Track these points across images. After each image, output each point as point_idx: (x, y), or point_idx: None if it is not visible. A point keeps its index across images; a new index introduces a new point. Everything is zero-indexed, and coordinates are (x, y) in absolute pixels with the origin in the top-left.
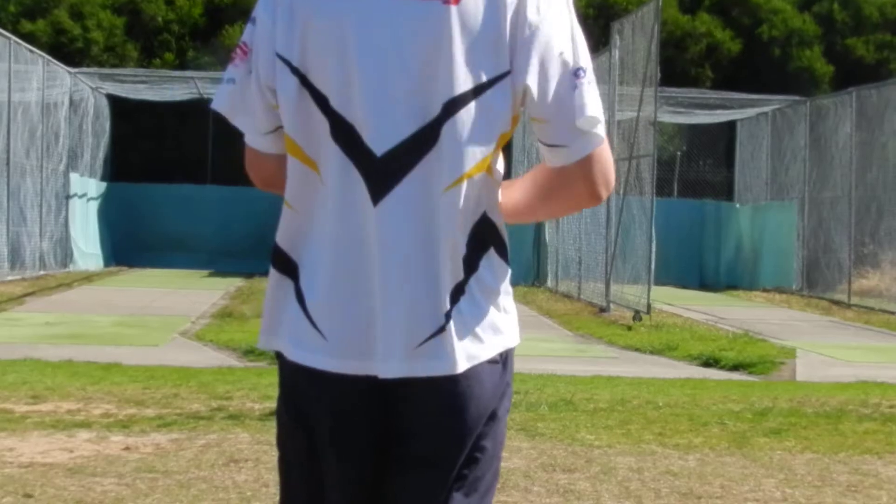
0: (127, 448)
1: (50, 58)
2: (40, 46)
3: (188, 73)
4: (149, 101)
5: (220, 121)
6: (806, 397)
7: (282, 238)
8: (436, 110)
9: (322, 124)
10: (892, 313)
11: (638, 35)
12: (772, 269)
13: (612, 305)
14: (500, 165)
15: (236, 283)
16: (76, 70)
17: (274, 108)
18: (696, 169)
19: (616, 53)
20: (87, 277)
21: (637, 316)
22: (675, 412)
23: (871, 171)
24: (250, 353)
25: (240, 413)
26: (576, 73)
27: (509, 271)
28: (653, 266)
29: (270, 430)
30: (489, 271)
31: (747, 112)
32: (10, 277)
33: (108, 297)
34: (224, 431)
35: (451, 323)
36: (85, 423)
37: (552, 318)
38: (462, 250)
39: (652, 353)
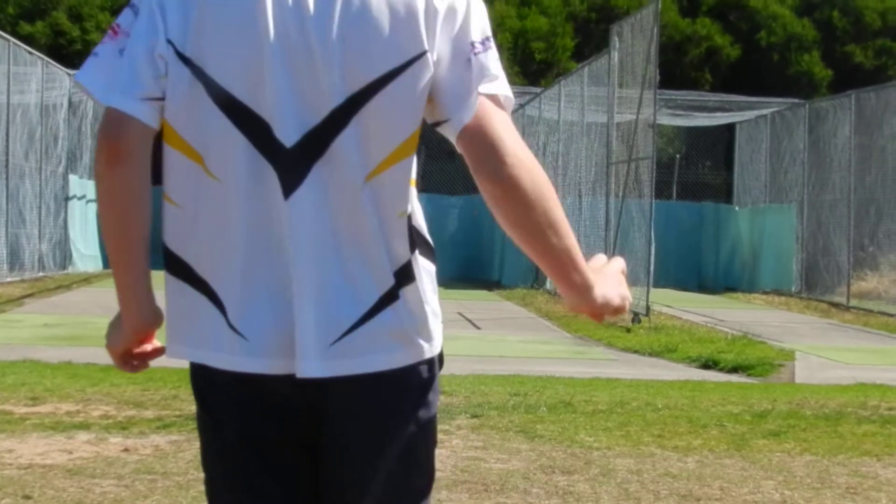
0: (126, 449)
1: (49, 59)
2: (39, 48)
3: None
4: None
5: None
6: (805, 399)
7: (171, 240)
8: (345, 95)
9: (218, 118)
10: (891, 315)
11: (637, 38)
12: (771, 271)
13: None
14: (414, 172)
15: None
16: (75, 72)
17: (162, 77)
18: (695, 171)
19: (615, 56)
20: (86, 279)
21: (636, 318)
22: (674, 414)
23: (869, 173)
24: None
25: None
26: (483, 42)
27: (435, 268)
28: (652, 268)
29: None
30: (422, 272)
31: (746, 115)
32: (9, 279)
33: (108, 299)
34: None
35: (375, 319)
36: (84, 425)
37: (551, 320)
38: (389, 244)
39: (651, 355)
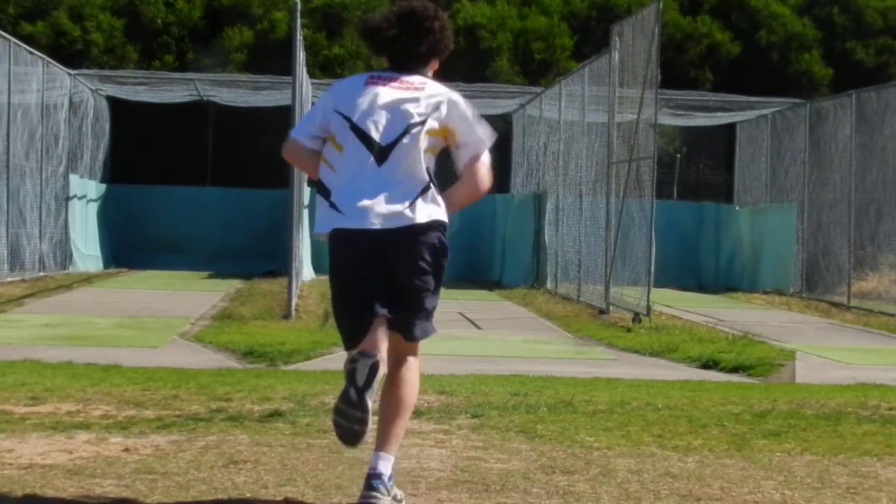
0: (126, 449)
1: (50, 59)
2: (40, 48)
3: (188, 75)
4: (148, 103)
5: (220, 123)
6: (805, 399)
7: (321, 177)
8: (405, 126)
9: (351, 132)
10: (891, 315)
11: (638, 37)
12: (771, 271)
13: (611, 307)
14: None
15: (236, 284)
16: (76, 72)
17: (322, 130)
18: (696, 171)
19: (616, 55)
20: (87, 279)
21: (636, 318)
22: (674, 414)
23: (870, 173)
24: (250, 354)
25: (239, 415)
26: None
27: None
28: (652, 268)
29: (270, 432)
30: (435, 192)
31: (747, 114)
32: (9, 279)
33: (108, 299)
34: (223, 433)
35: (417, 202)
36: (84, 425)
37: (552, 320)
38: (423, 179)
39: (651, 354)
